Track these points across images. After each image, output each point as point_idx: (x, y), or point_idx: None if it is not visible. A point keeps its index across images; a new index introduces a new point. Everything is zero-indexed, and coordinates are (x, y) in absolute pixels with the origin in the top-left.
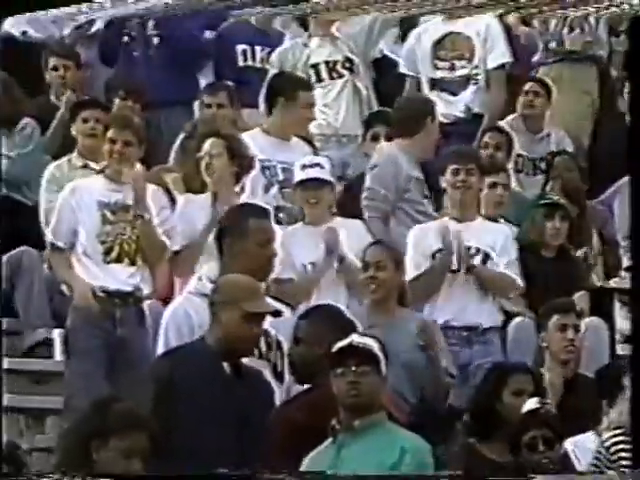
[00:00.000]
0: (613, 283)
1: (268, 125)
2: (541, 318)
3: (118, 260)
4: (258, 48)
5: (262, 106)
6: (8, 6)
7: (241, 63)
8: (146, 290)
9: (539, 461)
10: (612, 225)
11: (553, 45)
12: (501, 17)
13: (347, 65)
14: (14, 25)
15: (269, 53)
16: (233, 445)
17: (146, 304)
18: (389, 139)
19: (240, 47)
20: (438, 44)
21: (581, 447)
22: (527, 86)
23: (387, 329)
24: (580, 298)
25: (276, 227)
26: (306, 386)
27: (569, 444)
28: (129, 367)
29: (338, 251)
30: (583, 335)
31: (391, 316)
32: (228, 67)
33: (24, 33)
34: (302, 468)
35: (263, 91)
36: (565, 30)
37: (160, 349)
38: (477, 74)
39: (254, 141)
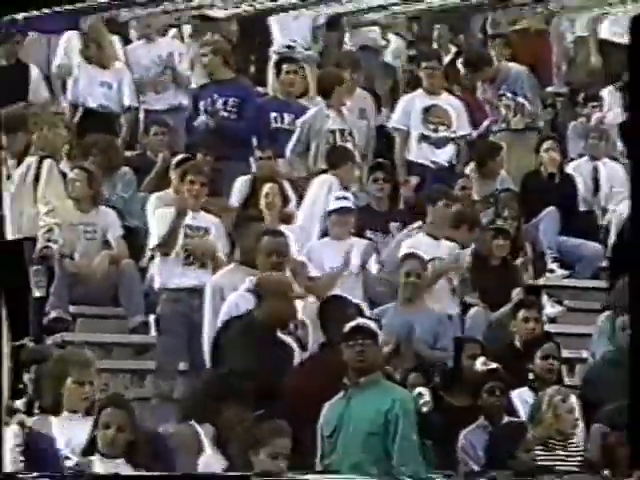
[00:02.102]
0: (541, 281)
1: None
2: (512, 311)
3: (192, 264)
4: (286, 114)
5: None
6: (8, 6)
7: (273, 125)
8: None
9: (493, 404)
10: (539, 241)
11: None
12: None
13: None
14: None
15: (294, 118)
16: (270, 388)
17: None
18: None
19: (272, 114)
20: (426, 111)
21: (521, 397)
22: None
23: (417, 317)
24: (517, 292)
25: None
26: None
27: (514, 394)
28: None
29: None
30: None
31: (418, 309)
32: (264, 129)
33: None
34: (322, 413)
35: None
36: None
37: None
38: (453, 137)
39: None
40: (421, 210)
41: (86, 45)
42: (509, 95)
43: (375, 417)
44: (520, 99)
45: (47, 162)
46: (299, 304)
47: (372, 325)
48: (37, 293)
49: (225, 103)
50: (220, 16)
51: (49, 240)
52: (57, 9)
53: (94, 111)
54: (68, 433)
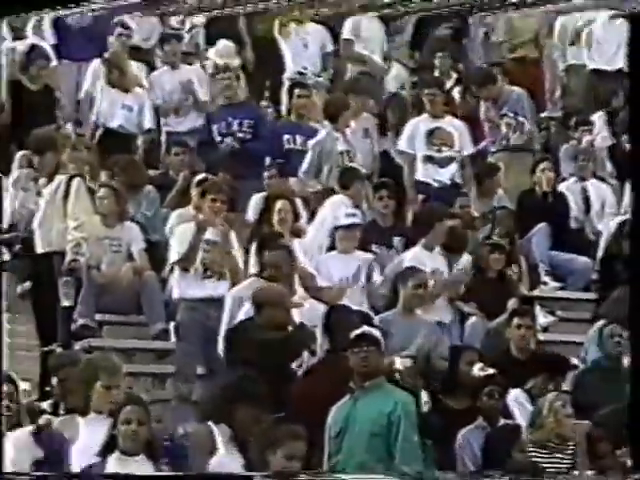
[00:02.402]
0: (535, 292)
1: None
2: (507, 319)
3: (210, 276)
4: (298, 136)
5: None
6: (8, 6)
7: (286, 146)
8: None
9: (492, 406)
10: (533, 255)
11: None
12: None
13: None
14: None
15: (305, 140)
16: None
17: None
18: None
19: (285, 136)
20: (430, 134)
21: (517, 400)
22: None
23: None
24: (512, 303)
25: None
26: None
27: (510, 397)
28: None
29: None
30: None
31: (418, 319)
32: (278, 149)
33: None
34: (330, 415)
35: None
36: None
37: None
38: (456, 157)
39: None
40: (426, 226)
41: (109, 70)
42: (511, 114)
43: (378, 418)
44: (521, 118)
45: (76, 181)
46: (297, 311)
47: (375, 333)
48: (65, 303)
49: (240, 124)
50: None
51: (77, 253)
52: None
53: (114, 131)
54: (94, 432)
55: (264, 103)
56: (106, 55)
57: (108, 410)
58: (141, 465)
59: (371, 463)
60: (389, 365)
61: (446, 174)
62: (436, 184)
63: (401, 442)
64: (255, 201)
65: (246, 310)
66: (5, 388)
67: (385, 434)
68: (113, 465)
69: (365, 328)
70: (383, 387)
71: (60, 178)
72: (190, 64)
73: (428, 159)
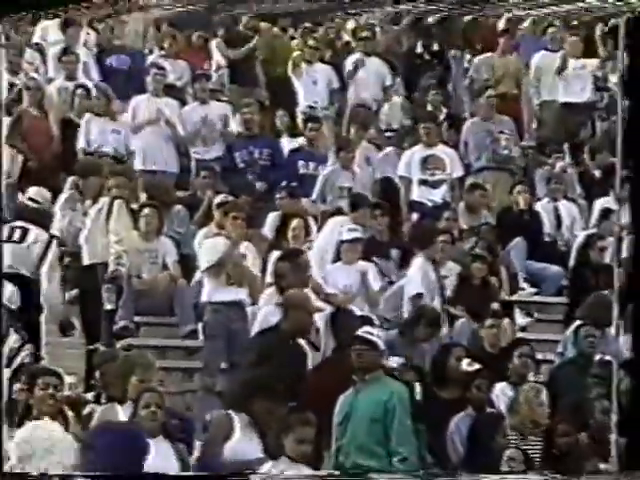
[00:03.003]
0: (514, 297)
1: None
2: (480, 320)
3: (232, 284)
4: (311, 163)
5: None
6: (8, 6)
7: (301, 171)
8: (248, 301)
9: (481, 397)
10: (512, 264)
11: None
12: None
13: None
14: None
15: (317, 165)
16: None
17: (249, 309)
18: None
19: (300, 162)
20: (425, 161)
21: (502, 392)
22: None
23: None
24: (495, 306)
25: None
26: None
27: (496, 389)
28: (239, 343)
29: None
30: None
31: None
32: (294, 174)
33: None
34: (337, 404)
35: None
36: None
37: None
38: (446, 179)
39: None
40: (421, 241)
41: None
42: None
43: (376, 406)
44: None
45: (117, 202)
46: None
47: (369, 335)
48: (108, 306)
49: (260, 153)
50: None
51: (118, 264)
52: None
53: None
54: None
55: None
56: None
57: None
58: (160, 445)
59: (371, 445)
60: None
61: (438, 194)
62: (430, 203)
63: (397, 426)
64: (272, 219)
65: (268, 313)
66: (50, 381)
67: (383, 420)
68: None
69: (360, 331)
70: (381, 379)
71: (104, 200)
72: (218, 100)
73: (423, 182)
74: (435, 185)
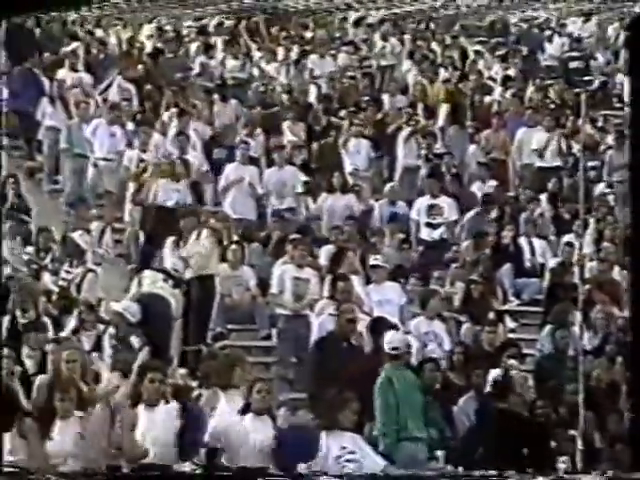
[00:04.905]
0: (505, 307)
1: None
2: (481, 324)
3: (300, 299)
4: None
5: None
6: (8, 6)
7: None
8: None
9: (480, 383)
10: (503, 283)
11: None
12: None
13: None
14: None
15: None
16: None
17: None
18: None
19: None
20: (431, 208)
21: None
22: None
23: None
24: (491, 314)
25: None
26: None
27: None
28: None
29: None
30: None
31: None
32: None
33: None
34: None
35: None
36: None
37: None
38: (445, 222)
39: None
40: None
41: None
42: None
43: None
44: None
45: (211, 239)
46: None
47: (395, 340)
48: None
49: None
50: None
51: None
52: None
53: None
54: (232, 401)
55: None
56: None
57: (245, 385)
58: (266, 420)
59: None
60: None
61: (437, 233)
62: (431, 239)
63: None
64: (326, 251)
65: (325, 321)
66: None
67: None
68: (249, 420)
69: (391, 334)
70: (400, 368)
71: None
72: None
73: (427, 224)
74: (435, 227)
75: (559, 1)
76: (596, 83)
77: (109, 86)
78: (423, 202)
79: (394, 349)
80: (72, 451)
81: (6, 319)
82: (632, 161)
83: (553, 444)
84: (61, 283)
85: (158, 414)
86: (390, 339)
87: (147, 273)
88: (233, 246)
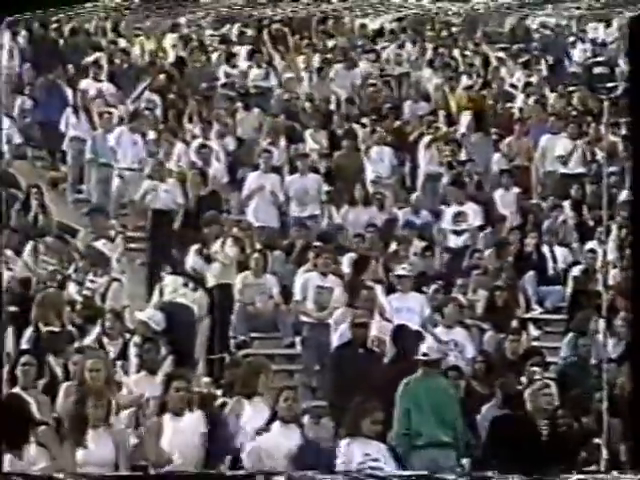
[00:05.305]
0: (528, 315)
1: None
2: (504, 333)
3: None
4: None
5: None
6: (8, 6)
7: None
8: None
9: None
10: (526, 291)
11: None
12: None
13: None
14: None
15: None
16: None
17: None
18: None
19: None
20: (457, 215)
21: None
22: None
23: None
24: (514, 322)
25: None
26: None
27: None
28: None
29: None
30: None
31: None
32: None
33: None
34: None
35: None
36: None
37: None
38: (469, 229)
39: None
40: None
41: None
42: None
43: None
44: None
45: (234, 248)
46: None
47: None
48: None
49: None
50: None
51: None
52: None
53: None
54: (257, 410)
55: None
56: None
57: (269, 393)
58: (294, 428)
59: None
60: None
61: (461, 240)
62: (455, 246)
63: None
64: (348, 259)
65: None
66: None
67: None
68: (277, 427)
69: (426, 342)
70: (431, 374)
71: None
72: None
73: (453, 232)
74: (460, 234)
75: (580, 8)
76: (620, 89)
77: (141, 94)
78: (450, 211)
79: (424, 355)
80: (108, 459)
81: (29, 330)
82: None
83: (580, 453)
84: (85, 292)
85: (184, 422)
86: (427, 346)
87: (167, 280)
88: (255, 254)
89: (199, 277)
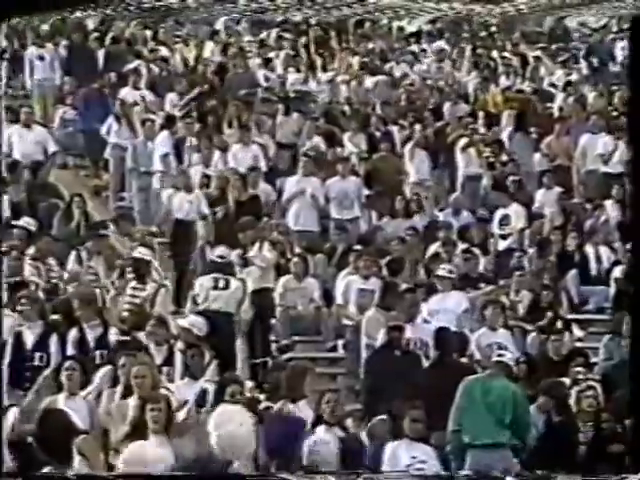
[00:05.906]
0: (570, 315)
1: None
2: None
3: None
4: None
5: None
6: (8, 7)
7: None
8: None
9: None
10: (569, 291)
11: None
12: None
13: None
14: None
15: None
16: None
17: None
18: None
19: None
20: (504, 218)
21: None
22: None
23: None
24: (558, 323)
25: None
26: None
27: None
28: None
29: None
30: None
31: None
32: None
33: None
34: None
35: None
36: None
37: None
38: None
39: None
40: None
41: None
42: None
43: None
44: None
45: (272, 253)
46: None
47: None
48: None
49: None
50: None
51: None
52: None
53: None
54: (304, 412)
55: None
56: None
57: (313, 396)
58: (337, 430)
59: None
60: None
61: (506, 243)
62: (501, 249)
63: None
64: (388, 262)
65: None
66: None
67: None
68: (322, 431)
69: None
70: (496, 376)
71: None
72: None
73: (500, 236)
74: (505, 237)
75: (621, 7)
76: None
77: (192, 100)
78: (498, 215)
79: (499, 355)
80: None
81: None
82: None
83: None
84: (129, 299)
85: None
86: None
87: (197, 289)
88: (295, 258)
89: (227, 270)
